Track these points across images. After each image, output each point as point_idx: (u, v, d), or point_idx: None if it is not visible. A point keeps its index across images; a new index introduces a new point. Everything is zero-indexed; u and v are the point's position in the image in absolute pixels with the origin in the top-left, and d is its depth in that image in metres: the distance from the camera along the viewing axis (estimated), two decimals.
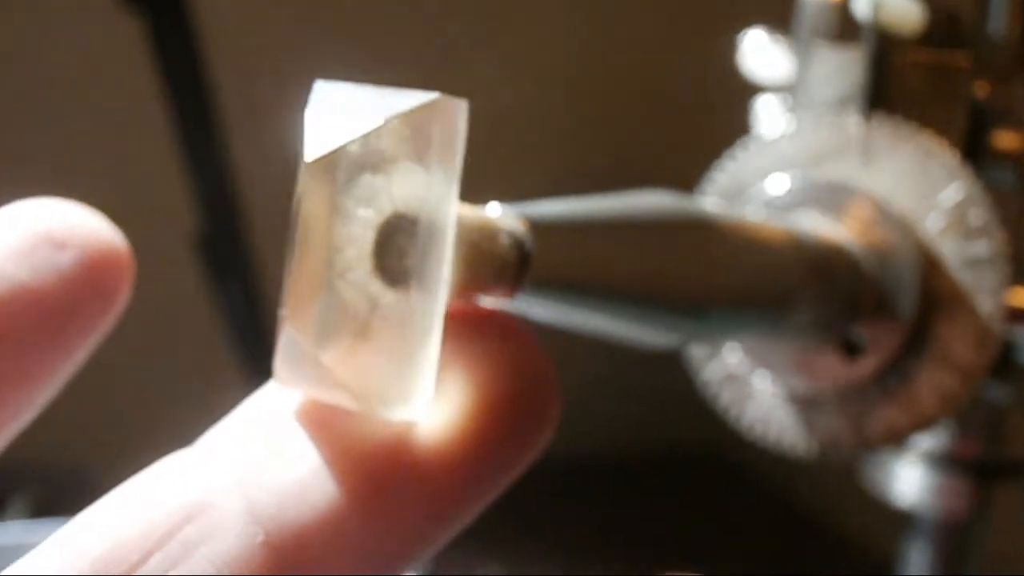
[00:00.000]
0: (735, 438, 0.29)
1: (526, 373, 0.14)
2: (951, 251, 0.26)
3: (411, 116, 0.13)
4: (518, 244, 0.15)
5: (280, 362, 0.14)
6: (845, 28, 0.30)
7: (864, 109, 0.28)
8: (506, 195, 0.17)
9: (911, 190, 0.26)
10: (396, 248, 0.14)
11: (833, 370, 0.26)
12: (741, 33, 0.34)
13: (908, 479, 0.41)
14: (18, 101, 0.79)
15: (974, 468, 0.40)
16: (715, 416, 0.29)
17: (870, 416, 0.27)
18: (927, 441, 0.39)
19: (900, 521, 0.42)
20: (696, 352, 0.29)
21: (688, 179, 0.30)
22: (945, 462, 0.40)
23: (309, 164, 0.13)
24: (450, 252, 0.14)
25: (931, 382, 0.26)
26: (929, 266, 0.26)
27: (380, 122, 0.13)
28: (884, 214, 0.26)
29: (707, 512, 0.90)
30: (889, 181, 0.27)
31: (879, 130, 0.27)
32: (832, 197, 0.27)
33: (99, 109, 0.78)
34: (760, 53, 0.34)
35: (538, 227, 0.16)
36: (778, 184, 0.28)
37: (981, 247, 0.26)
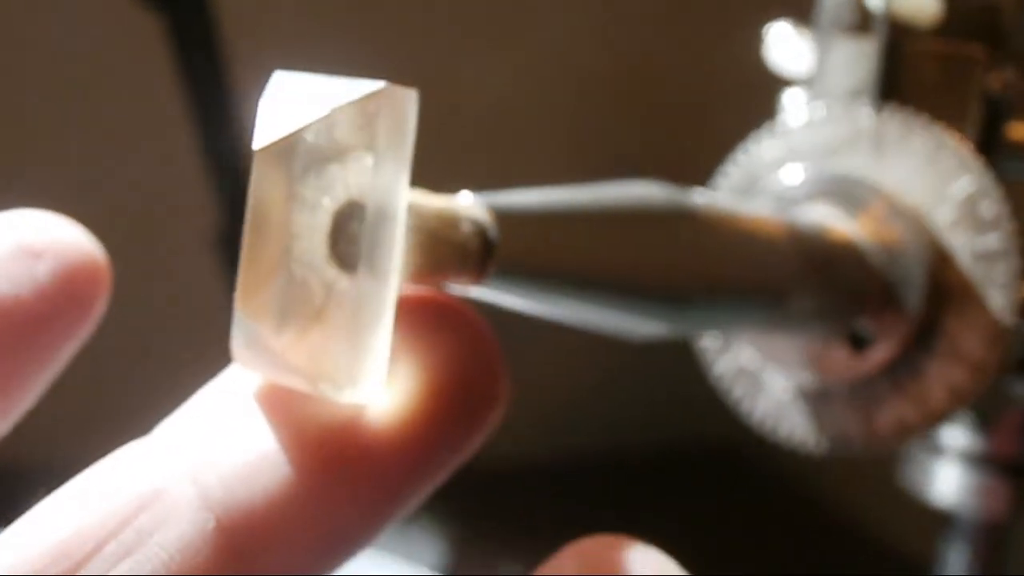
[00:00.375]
0: (759, 437, 0.29)
1: (475, 359, 0.14)
2: (962, 244, 0.26)
3: (360, 104, 0.14)
4: (480, 232, 0.16)
5: (236, 345, 0.14)
6: (863, 18, 0.30)
7: (876, 100, 0.28)
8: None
9: (922, 182, 0.26)
10: (349, 235, 0.14)
11: (841, 363, 0.26)
12: (762, 26, 0.34)
13: (946, 479, 0.40)
14: (36, 100, 0.80)
15: (1012, 468, 0.39)
16: (727, 411, 0.29)
17: (880, 410, 0.26)
18: (964, 441, 0.39)
19: (938, 522, 0.41)
20: (708, 346, 0.29)
21: (700, 176, 0.30)
22: (983, 462, 0.39)
23: (260, 152, 0.14)
24: (400, 239, 0.14)
25: (941, 377, 0.26)
26: (939, 259, 0.26)
27: (328, 111, 0.14)
28: (895, 206, 0.26)
29: (740, 513, 0.90)
30: (901, 173, 0.26)
31: (891, 121, 0.27)
32: (843, 189, 0.27)
33: (118, 107, 0.79)
34: (785, 46, 0.33)
35: (505, 215, 0.16)
36: (789, 176, 0.28)
37: (992, 240, 0.25)
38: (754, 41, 0.35)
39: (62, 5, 0.78)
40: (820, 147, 0.28)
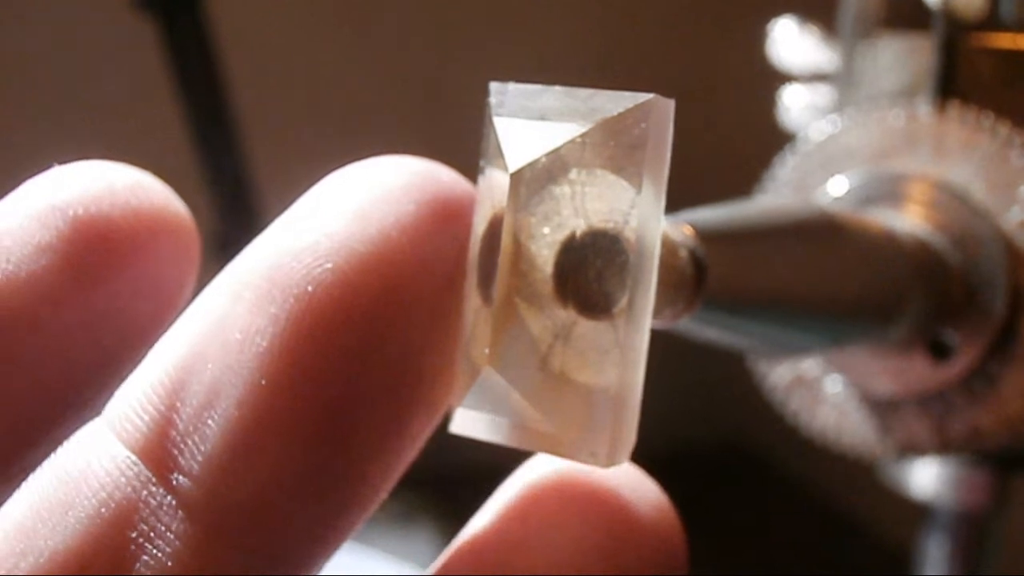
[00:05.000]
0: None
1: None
2: None
3: (617, 120, 0.12)
4: (694, 257, 0.14)
5: (460, 401, 0.12)
6: (894, 14, 0.29)
7: (935, 99, 0.27)
8: None
9: (989, 182, 0.25)
10: (593, 270, 0.12)
11: (920, 373, 0.25)
12: (771, 23, 0.33)
13: (925, 471, 0.40)
14: (31, 104, 0.77)
15: (992, 460, 0.39)
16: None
17: (952, 418, 0.26)
18: None
19: (918, 513, 0.41)
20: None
21: (715, 177, 0.28)
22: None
23: (512, 176, 0.12)
24: (656, 274, 0.12)
25: (1017, 383, 0.25)
26: (1014, 260, 0.25)
27: (584, 128, 0.11)
28: (964, 206, 0.25)
29: (722, 505, 0.90)
30: (965, 174, 0.26)
31: (952, 121, 0.26)
32: (903, 190, 0.26)
33: (112, 111, 0.77)
34: (791, 43, 0.32)
35: (706, 237, 0.14)
36: (846, 180, 0.27)
37: None
38: (760, 37, 0.34)
39: (55, 11, 0.75)
40: (877, 149, 0.27)
